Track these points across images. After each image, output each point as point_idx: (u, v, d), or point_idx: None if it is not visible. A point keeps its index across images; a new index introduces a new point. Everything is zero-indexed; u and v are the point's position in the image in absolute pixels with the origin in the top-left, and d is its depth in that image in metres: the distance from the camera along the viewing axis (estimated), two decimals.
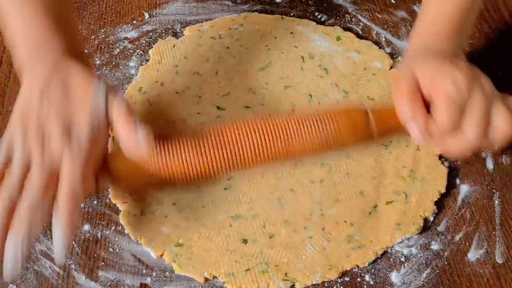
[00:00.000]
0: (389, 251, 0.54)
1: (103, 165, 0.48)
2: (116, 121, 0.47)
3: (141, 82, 0.65)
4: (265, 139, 0.48)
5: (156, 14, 0.73)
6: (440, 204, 0.56)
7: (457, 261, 0.53)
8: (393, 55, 0.69)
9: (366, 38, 0.70)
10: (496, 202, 0.57)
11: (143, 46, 0.69)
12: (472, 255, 0.53)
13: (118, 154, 0.48)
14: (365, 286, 0.51)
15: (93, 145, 0.46)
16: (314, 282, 0.51)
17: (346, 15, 0.73)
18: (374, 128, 0.49)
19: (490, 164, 0.60)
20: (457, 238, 0.54)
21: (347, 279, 0.52)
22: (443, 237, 0.54)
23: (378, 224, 0.55)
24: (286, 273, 0.52)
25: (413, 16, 0.74)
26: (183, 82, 0.65)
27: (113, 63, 0.67)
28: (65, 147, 0.44)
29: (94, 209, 0.56)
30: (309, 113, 0.50)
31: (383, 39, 0.71)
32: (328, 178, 0.57)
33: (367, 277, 0.52)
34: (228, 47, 0.68)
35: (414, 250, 0.54)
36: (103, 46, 0.69)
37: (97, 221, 0.55)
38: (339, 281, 0.52)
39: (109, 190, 0.56)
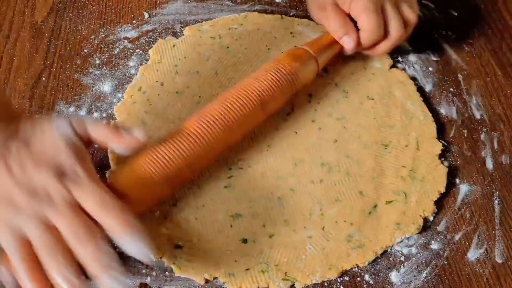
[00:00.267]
0: (389, 250, 0.54)
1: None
2: (99, 134, 0.48)
3: (141, 82, 0.65)
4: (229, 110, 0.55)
5: (156, 13, 0.73)
6: (439, 203, 0.57)
7: (457, 260, 0.53)
8: (392, 55, 0.69)
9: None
10: (496, 201, 0.57)
11: (143, 45, 0.69)
12: (472, 254, 0.53)
13: (116, 172, 0.49)
14: (364, 286, 0.51)
15: (87, 168, 0.46)
16: (314, 282, 0.51)
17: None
18: (313, 53, 0.61)
19: (489, 164, 0.60)
20: (456, 237, 0.54)
21: (346, 278, 0.52)
22: (442, 237, 0.54)
23: (378, 223, 0.55)
24: (286, 273, 0.52)
25: None
26: (183, 81, 0.65)
27: (113, 63, 0.67)
28: (70, 183, 0.43)
29: None
30: (262, 69, 0.59)
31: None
32: (328, 178, 0.57)
33: (366, 277, 0.52)
34: (228, 47, 0.68)
35: (413, 250, 0.54)
36: (103, 46, 0.69)
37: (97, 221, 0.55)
38: (339, 280, 0.52)
39: None
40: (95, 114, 0.62)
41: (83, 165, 0.45)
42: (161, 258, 0.52)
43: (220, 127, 0.54)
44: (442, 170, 0.58)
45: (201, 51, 0.68)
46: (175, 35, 0.70)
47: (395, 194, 0.57)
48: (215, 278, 0.51)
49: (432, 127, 0.62)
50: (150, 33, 0.71)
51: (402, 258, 0.53)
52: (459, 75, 0.68)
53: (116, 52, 0.68)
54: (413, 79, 0.66)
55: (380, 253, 0.53)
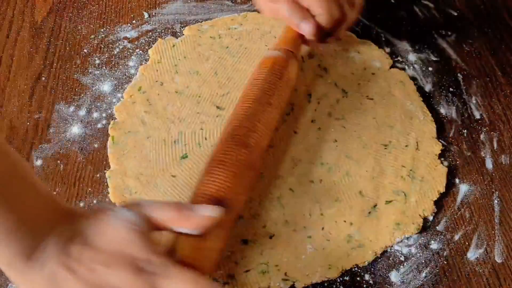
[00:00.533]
0: (389, 250, 0.54)
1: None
2: (164, 220, 0.42)
3: (141, 82, 0.65)
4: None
5: (155, 13, 0.73)
6: (439, 203, 0.57)
7: (457, 260, 0.53)
8: (392, 55, 0.69)
9: (365, 38, 0.70)
10: (496, 201, 0.57)
11: (143, 45, 0.69)
12: (471, 254, 0.53)
13: (180, 242, 0.44)
14: (364, 285, 0.51)
15: (163, 254, 0.40)
16: (313, 282, 0.51)
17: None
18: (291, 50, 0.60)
19: (489, 164, 0.60)
20: (456, 237, 0.54)
21: (346, 278, 0.52)
22: (442, 237, 0.54)
23: (377, 223, 0.55)
24: (285, 273, 0.52)
25: (413, 16, 0.74)
26: (183, 81, 0.65)
27: (113, 63, 0.67)
28: (152, 276, 0.38)
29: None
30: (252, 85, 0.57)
31: (383, 39, 0.71)
32: (327, 178, 0.57)
33: (366, 277, 0.52)
34: (227, 47, 0.68)
35: (413, 250, 0.54)
36: (102, 46, 0.69)
37: None
38: (338, 280, 0.52)
39: (109, 189, 0.56)
40: (95, 114, 0.62)
41: (158, 252, 0.40)
42: None
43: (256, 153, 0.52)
44: (441, 170, 0.58)
45: (200, 51, 0.68)
46: (175, 35, 0.70)
47: (395, 194, 0.57)
48: (214, 279, 0.51)
49: (431, 127, 0.62)
50: (150, 33, 0.71)
51: (402, 258, 0.53)
52: (458, 75, 0.68)
53: (115, 52, 0.68)
54: (413, 79, 0.66)
55: (380, 253, 0.53)
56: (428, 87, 0.66)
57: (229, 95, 0.64)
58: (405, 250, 0.54)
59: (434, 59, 0.69)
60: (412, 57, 0.69)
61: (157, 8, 0.74)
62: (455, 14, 0.74)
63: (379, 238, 0.54)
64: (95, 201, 0.56)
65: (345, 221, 0.55)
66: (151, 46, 0.68)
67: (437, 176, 0.58)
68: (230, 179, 0.48)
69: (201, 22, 0.71)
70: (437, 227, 0.55)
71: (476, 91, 0.66)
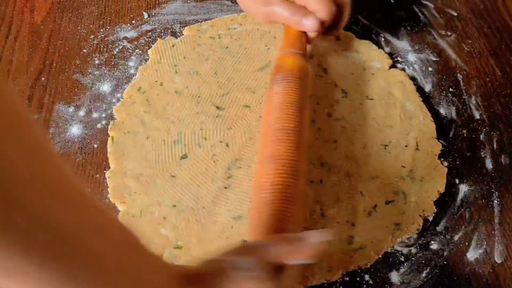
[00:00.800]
0: (389, 250, 0.54)
1: None
2: (279, 257, 0.40)
3: (140, 82, 0.64)
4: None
5: (155, 13, 0.73)
6: (439, 203, 0.56)
7: (456, 260, 0.53)
8: (392, 55, 0.69)
9: (365, 38, 0.70)
10: (495, 202, 0.57)
11: (142, 45, 0.69)
12: (471, 254, 0.53)
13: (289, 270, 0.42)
14: (364, 286, 0.51)
15: None
16: (313, 284, 0.51)
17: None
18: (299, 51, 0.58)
19: (489, 164, 0.60)
20: (456, 237, 0.54)
21: (346, 278, 0.52)
22: (442, 237, 0.54)
23: (378, 224, 0.55)
24: None
25: (413, 16, 0.74)
26: (182, 81, 0.65)
27: (112, 63, 0.67)
28: None
29: None
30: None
31: (382, 39, 0.71)
32: (327, 178, 0.57)
33: (366, 277, 0.52)
34: (227, 47, 0.68)
35: (413, 250, 0.54)
36: (102, 46, 0.69)
37: None
38: (338, 280, 0.52)
39: (109, 189, 0.56)
40: (95, 114, 0.62)
41: None
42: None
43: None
44: (441, 170, 0.58)
45: (200, 51, 0.68)
46: (175, 35, 0.70)
47: (395, 194, 0.57)
48: None
49: (431, 127, 0.62)
50: (150, 33, 0.71)
51: (402, 258, 0.53)
52: (458, 75, 0.68)
53: (115, 52, 0.68)
54: (413, 79, 0.66)
55: (381, 255, 0.53)
56: (428, 87, 0.66)
57: (228, 95, 0.63)
58: (405, 250, 0.54)
59: (434, 59, 0.69)
60: (411, 57, 0.69)
61: (157, 8, 0.74)
62: (455, 14, 0.74)
63: (379, 239, 0.54)
64: None
65: (347, 221, 0.55)
66: (151, 46, 0.68)
67: (437, 176, 0.58)
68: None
69: (201, 22, 0.71)
70: (437, 228, 0.55)
71: (476, 91, 0.66)
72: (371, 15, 0.73)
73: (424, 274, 0.52)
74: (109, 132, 0.60)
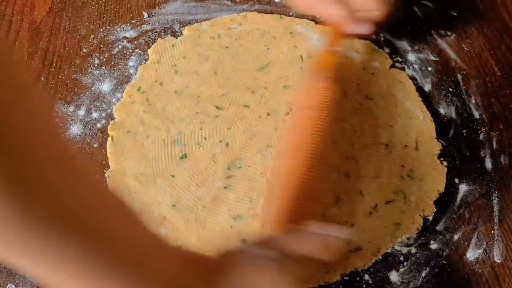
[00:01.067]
0: (388, 250, 0.54)
1: None
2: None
3: (140, 82, 0.65)
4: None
5: (155, 13, 0.73)
6: (438, 203, 0.56)
7: (456, 260, 0.53)
8: (392, 55, 0.69)
9: (365, 38, 0.70)
10: (495, 201, 0.57)
11: (142, 45, 0.69)
12: (471, 254, 0.53)
13: None
14: (364, 285, 0.51)
15: None
16: (310, 286, 0.51)
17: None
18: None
19: (488, 164, 0.60)
20: (455, 237, 0.54)
21: (345, 278, 0.52)
22: (441, 237, 0.54)
23: (378, 224, 0.55)
24: None
25: (413, 16, 0.74)
26: (182, 81, 0.65)
27: (112, 63, 0.67)
28: None
29: None
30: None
31: (382, 39, 0.71)
32: (327, 178, 0.57)
33: (366, 276, 0.52)
34: (227, 47, 0.68)
35: (413, 250, 0.54)
36: (102, 46, 0.69)
37: None
38: (338, 279, 0.52)
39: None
40: (94, 114, 0.62)
41: None
42: None
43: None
44: (441, 170, 0.58)
45: (200, 51, 0.68)
46: (174, 34, 0.70)
47: (394, 194, 0.57)
48: None
49: (431, 127, 0.62)
50: (149, 33, 0.71)
51: (402, 258, 0.53)
52: (458, 75, 0.68)
53: (115, 52, 0.68)
54: (412, 79, 0.66)
55: (380, 256, 0.53)
56: (427, 87, 0.66)
57: (228, 95, 0.63)
58: (404, 250, 0.54)
59: (434, 59, 0.69)
60: (411, 57, 0.69)
61: (157, 8, 0.73)
62: (455, 14, 0.74)
63: (379, 240, 0.54)
64: None
65: (346, 222, 0.55)
66: (151, 46, 0.68)
67: (437, 176, 0.58)
68: None
69: (201, 22, 0.71)
70: (436, 227, 0.55)
71: (475, 91, 0.66)
72: None
73: (423, 274, 0.52)
74: (109, 131, 0.60)
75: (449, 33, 0.72)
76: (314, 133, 0.52)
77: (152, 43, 0.69)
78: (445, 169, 0.58)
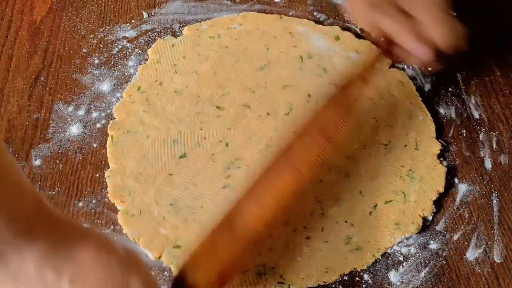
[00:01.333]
0: (388, 250, 0.54)
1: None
2: None
3: (140, 81, 0.65)
4: None
5: (155, 13, 0.73)
6: (438, 203, 0.57)
7: (456, 260, 0.53)
8: None
9: (364, 38, 0.70)
10: (494, 201, 0.57)
11: (142, 45, 0.69)
12: (471, 254, 0.53)
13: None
14: (363, 285, 0.51)
15: None
16: (309, 285, 0.51)
17: (345, 14, 0.73)
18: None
19: (488, 164, 0.60)
20: (455, 237, 0.55)
21: (345, 278, 0.52)
22: (441, 237, 0.55)
23: (377, 224, 0.55)
24: (281, 276, 0.51)
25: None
26: (182, 81, 0.65)
27: (112, 62, 0.67)
28: None
29: (92, 208, 0.56)
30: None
31: (381, 39, 0.71)
32: (327, 178, 0.57)
33: (365, 276, 0.52)
34: (227, 47, 0.68)
35: (412, 250, 0.54)
36: (101, 45, 0.69)
37: (96, 220, 0.55)
38: (337, 280, 0.52)
39: (108, 189, 0.56)
40: (94, 114, 0.62)
41: None
42: (159, 257, 0.52)
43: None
44: (441, 170, 0.58)
45: (200, 50, 0.68)
46: (174, 34, 0.70)
47: (394, 193, 0.57)
48: None
49: (431, 127, 0.62)
50: (149, 32, 0.71)
51: (401, 258, 0.53)
52: (458, 75, 0.68)
53: (115, 52, 0.68)
54: (412, 78, 0.66)
55: (380, 255, 0.53)
56: (427, 87, 0.66)
57: (228, 95, 0.63)
58: (404, 250, 0.54)
59: (434, 59, 0.69)
60: None
61: (156, 8, 0.73)
62: (454, 14, 0.74)
63: (378, 239, 0.54)
64: (94, 201, 0.56)
65: (346, 222, 0.55)
66: (150, 46, 0.68)
67: (436, 176, 0.58)
68: None
69: (201, 22, 0.71)
70: (436, 227, 0.55)
71: (475, 91, 0.66)
72: None
73: (423, 274, 0.52)
74: (108, 131, 0.60)
75: None
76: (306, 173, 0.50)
77: (152, 43, 0.69)
78: (445, 169, 0.58)
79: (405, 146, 0.60)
